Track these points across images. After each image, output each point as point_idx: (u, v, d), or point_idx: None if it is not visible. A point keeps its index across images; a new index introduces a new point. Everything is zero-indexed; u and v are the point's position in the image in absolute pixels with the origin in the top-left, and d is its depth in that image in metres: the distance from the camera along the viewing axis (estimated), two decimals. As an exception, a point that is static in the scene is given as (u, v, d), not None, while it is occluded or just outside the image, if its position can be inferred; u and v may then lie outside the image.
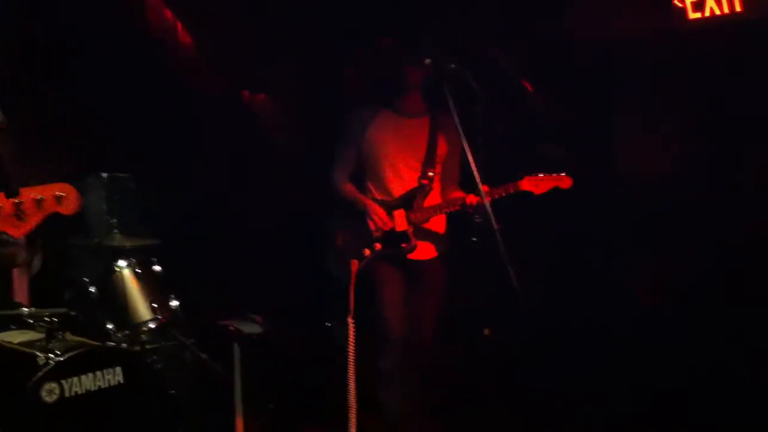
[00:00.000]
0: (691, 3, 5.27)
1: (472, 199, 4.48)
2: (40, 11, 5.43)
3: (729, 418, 4.75)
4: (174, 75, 6.52)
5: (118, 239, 4.92)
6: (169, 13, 6.66)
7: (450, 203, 4.65)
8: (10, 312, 4.33)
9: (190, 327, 4.89)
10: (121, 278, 4.69)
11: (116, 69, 5.82)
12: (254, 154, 6.70)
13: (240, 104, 7.08)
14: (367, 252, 4.60)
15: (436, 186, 4.79)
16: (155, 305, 4.71)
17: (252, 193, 6.53)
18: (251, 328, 5.08)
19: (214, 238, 6.15)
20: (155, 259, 4.87)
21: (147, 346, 4.68)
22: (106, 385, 4.01)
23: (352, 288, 4.19)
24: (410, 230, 4.67)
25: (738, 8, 5.14)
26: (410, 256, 4.69)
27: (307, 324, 5.55)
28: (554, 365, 5.37)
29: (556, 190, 4.51)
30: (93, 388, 3.96)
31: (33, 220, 3.13)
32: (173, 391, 4.30)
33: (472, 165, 4.07)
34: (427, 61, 4.30)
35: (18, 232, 3.12)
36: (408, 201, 4.70)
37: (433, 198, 4.76)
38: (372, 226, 4.66)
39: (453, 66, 4.19)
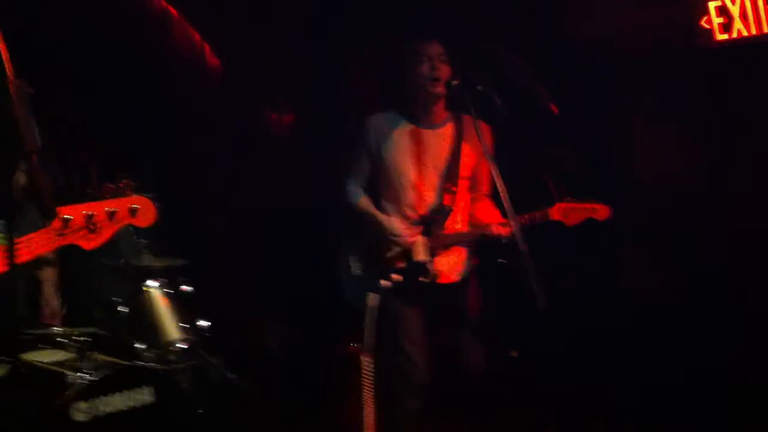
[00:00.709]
0: (719, 24, 5.27)
1: (496, 230, 4.18)
2: (71, 33, 5.49)
3: (732, 418, 4.76)
4: (200, 96, 6.57)
5: (147, 259, 4.96)
6: (197, 36, 6.73)
7: (472, 233, 4.33)
8: (40, 331, 4.35)
9: (217, 347, 4.91)
10: (151, 298, 4.73)
11: (145, 90, 5.87)
12: (281, 175, 6.73)
13: (267, 125, 7.11)
14: (386, 284, 4.20)
15: (461, 203, 4.41)
16: (184, 325, 4.73)
17: (283, 212, 6.56)
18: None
19: (240, 255, 6.18)
20: (184, 279, 4.89)
21: (175, 366, 4.70)
22: (136, 405, 4.02)
23: (369, 325, 4.08)
24: (428, 261, 4.29)
25: (766, 29, 5.13)
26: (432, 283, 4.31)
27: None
28: (558, 366, 5.34)
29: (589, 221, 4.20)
30: (123, 408, 3.97)
31: (106, 233, 3.12)
32: (201, 411, 4.30)
33: (499, 185, 3.90)
34: (455, 82, 4.17)
35: (90, 244, 3.11)
36: (427, 225, 4.34)
37: (457, 217, 4.40)
38: (389, 251, 4.33)
39: (480, 88, 4.11)
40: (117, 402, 3.96)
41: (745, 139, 5.34)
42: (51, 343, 4.32)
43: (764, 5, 5.11)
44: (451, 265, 4.38)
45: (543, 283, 3.73)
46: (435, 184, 4.35)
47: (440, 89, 4.25)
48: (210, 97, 6.64)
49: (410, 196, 4.36)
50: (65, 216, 3.03)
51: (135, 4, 6.15)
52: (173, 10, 6.51)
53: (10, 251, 3.01)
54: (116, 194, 3.18)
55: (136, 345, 4.56)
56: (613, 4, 5.64)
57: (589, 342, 5.36)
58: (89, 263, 4.99)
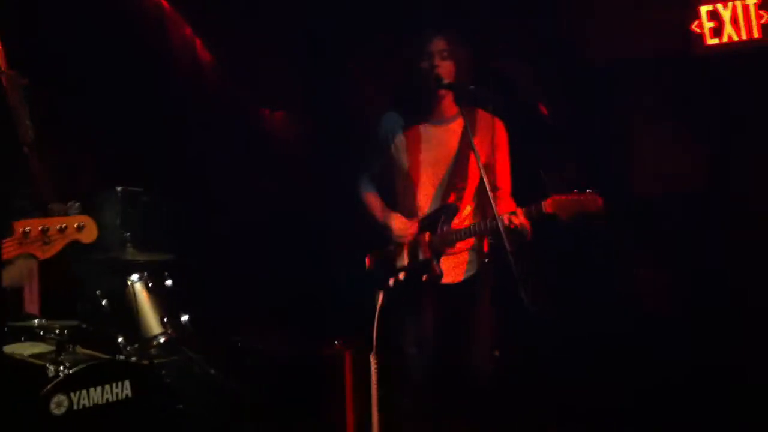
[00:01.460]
0: (710, 29, 5.27)
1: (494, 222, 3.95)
2: (60, 27, 5.46)
3: (732, 420, 4.77)
4: (191, 91, 6.55)
5: (131, 253, 4.94)
6: (188, 31, 6.70)
7: (478, 229, 4.17)
8: (21, 324, 4.34)
9: (199, 342, 4.89)
10: (133, 292, 4.71)
11: (133, 85, 5.84)
12: (270, 170, 6.71)
13: (258, 121, 7.10)
14: (392, 282, 4.23)
15: (470, 201, 4.34)
16: (166, 320, 4.71)
17: (267, 210, 6.54)
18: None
19: (226, 252, 6.16)
20: (167, 274, 4.87)
21: (156, 360, 4.69)
22: (115, 399, 3.99)
23: (376, 323, 4.10)
24: (433, 260, 4.22)
25: (756, 34, 5.13)
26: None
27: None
28: (559, 371, 5.35)
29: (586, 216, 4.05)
30: (101, 402, 3.95)
31: (57, 246, 3.57)
32: (181, 406, 4.28)
33: (487, 184, 3.88)
34: (446, 81, 4.12)
35: (43, 255, 3.55)
36: (432, 223, 4.26)
37: (466, 215, 4.33)
38: (395, 247, 4.30)
39: (472, 88, 4.09)
40: (96, 396, 3.95)
41: (740, 141, 5.34)
42: (32, 335, 4.31)
43: (755, 10, 5.11)
44: (453, 265, 4.32)
45: (534, 285, 3.70)
46: (442, 181, 4.32)
47: (438, 87, 4.20)
48: (201, 92, 6.62)
49: (417, 193, 4.34)
50: (25, 229, 3.48)
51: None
52: (165, 4, 6.49)
53: None
54: (66, 213, 3.69)
55: (118, 339, 4.52)
56: (610, 6, 5.64)
57: (591, 344, 5.36)
58: (72, 256, 4.97)
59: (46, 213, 3.70)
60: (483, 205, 4.34)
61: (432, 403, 4.33)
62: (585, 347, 5.37)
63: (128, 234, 4.97)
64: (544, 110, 5.84)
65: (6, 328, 4.28)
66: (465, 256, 4.35)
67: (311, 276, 5.75)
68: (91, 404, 3.93)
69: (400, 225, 4.31)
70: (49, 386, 3.80)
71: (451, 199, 4.29)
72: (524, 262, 3.69)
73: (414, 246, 4.27)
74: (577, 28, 5.83)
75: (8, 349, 4.20)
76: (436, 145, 4.33)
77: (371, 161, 4.51)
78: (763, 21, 5.11)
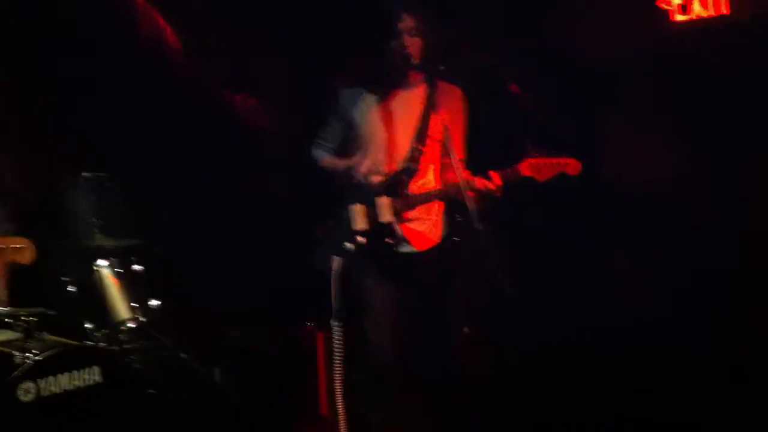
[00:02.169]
0: (677, 5, 5.26)
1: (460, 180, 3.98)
2: (22, 14, 5.40)
3: (727, 418, 4.77)
4: (162, 78, 6.49)
5: (99, 239, 4.88)
6: (159, 17, 6.64)
7: (443, 193, 4.23)
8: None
9: (170, 327, 4.86)
10: (101, 278, 4.67)
11: (103, 71, 5.79)
12: (243, 156, 6.67)
13: (229, 107, 7.05)
14: (350, 246, 4.20)
15: (430, 165, 4.34)
16: (135, 305, 4.68)
17: (240, 195, 6.51)
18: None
19: (199, 239, 6.13)
20: (135, 259, 4.83)
21: (126, 346, 4.64)
22: (84, 385, 3.98)
23: (334, 288, 4.11)
24: (395, 221, 4.23)
25: (725, 10, 5.13)
26: (401, 249, 4.26)
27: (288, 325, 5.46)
28: (550, 368, 5.34)
29: (562, 177, 4.12)
30: (70, 388, 3.94)
31: None
32: (151, 391, 4.25)
33: (455, 161, 3.93)
34: (416, 62, 4.18)
35: None
36: (393, 187, 4.26)
37: (424, 180, 4.33)
38: (354, 211, 4.26)
39: (442, 68, 4.13)
40: (65, 382, 3.92)
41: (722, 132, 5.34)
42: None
43: (722, -14, 5.12)
44: (422, 229, 4.33)
45: (508, 268, 3.69)
46: (404, 144, 4.32)
47: (407, 67, 4.24)
48: (170, 78, 6.56)
49: (380, 156, 4.34)
50: None
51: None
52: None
53: None
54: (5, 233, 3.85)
55: (86, 325, 4.48)
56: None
57: (584, 343, 5.36)
58: (40, 243, 4.93)
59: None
60: (447, 170, 4.36)
61: (399, 384, 4.31)
62: (578, 348, 5.38)
63: (95, 220, 4.92)
64: (516, 89, 5.83)
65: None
66: (429, 223, 4.35)
67: (282, 258, 5.71)
68: (60, 390, 3.91)
69: (369, 162, 4.33)
70: (16, 373, 3.77)
71: (413, 161, 4.29)
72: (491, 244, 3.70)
73: (372, 210, 4.25)
74: (546, 14, 5.81)
75: (-26, 337, 4.16)
76: (398, 108, 4.36)
77: (330, 135, 4.52)
78: (730, -4, 5.12)
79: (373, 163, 4.31)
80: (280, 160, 6.46)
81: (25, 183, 5.27)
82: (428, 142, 4.30)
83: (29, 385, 3.81)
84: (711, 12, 5.16)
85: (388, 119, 4.34)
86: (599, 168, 5.55)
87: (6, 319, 4.23)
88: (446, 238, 4.39)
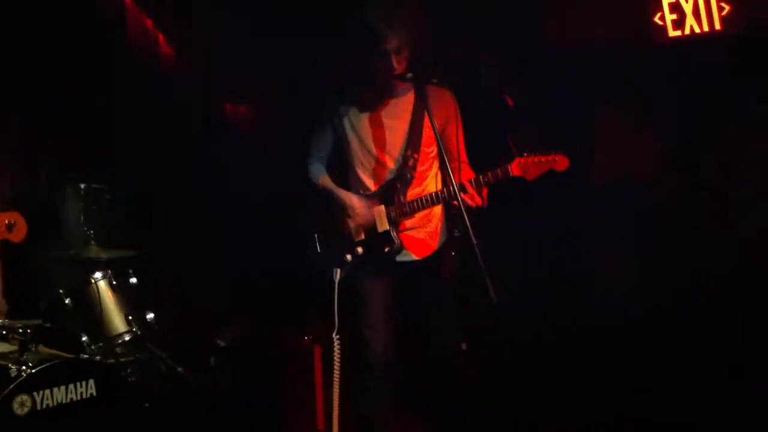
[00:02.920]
0: (672, 21, 5.29)
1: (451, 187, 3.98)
2: (16, 19, 5.38)
3: (713, 416, 4.79)
4: (154, 85, 6.49)
5: (94, 251, 4.89)
6: (150, 24, 6.64)
7: (435, 198, 4.17)
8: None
9: (165, 339, 4.85)
10: (97, 290, 4.65)
11: (95, 79, 5.78)
12: (234, 163, 6.67)
13: (220, 115, 7.05)
14: (349, 257, 4.22)
15: (424, 172, 4.33)
16: (130, 317, 4.67)
17: (232, 203, 6.51)
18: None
19: (192, 248, 6.12)
20: (131, 271, 4.83)
21: (121, 359, 4.64)
22: (79, 398, 3.97)
23: (336, 301, 4.10)
24: (392, 230, 4.21)
25: (717, 26, 5.16)
26: (400, 257, 4.26)
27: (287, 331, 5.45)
28: (537, 369, 5.36)
29: (550, 174, 4.09)
30: (65, 401, 3.93)
31: None
32: (147, 404, 4.25)
33: (448, 167, 3.91)
34: (408, 75, 4.10)
35: None
36: (387, 194, 4.24)
37: (419, 187, 4.31)
38: (351, 224, 4.27)
39: (435, 80, 4.09)
40: (60, 395, 3.91)
41: (702, 135, 5.38)
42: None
43: (716, 3, 5.14)
44: (420, 237, 4.34)
45: (497, 278, 3.70)
46: (396, 152, 4.30)
47: (402, 60, 4.16)
48: (162, 86, 6.56)
49: (372, 165, 4.33)
50: None
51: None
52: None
53: None
54: None
55: (82, 338, 4.47)
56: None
57: (552, 333, 5.38)
58: (35, 255, 4.92)
59: None
60: (443, 175, 4.36)
61: (393, 387, 4.33)
62: (546, 335, 5.38)
63: (91, 231, 4.92)
64: (509, 101, 5.86)
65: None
66: (435, 229, 4.37)
67: (277, 267, 5.71)
68: (55, 404, 3.90)
69: (354, 206, 4.29)
70: (11, 386, 3.76)
71: (407, 169, 4.28)
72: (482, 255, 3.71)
73: (371, 220, 4.25)
74: (540, 18, 5.83)
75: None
76: (389, 116, 4.32)
77: (321, 143, 4.47)
78: (723, 13, 5.14)
79: (357, 208, 4.28)
80: (274, 166, 6.46)
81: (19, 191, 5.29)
82: (422, 149, 4.29)
83: (25, 398, 3.80)
84: (704, 28, 5.19)
85: (378, 127, 4.31)
86: (588, 168, 5.63)
87: (2, 332, 4.21)
88: (445, 245, 4.41)
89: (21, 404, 3.78)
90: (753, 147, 5.10)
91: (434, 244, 4.36)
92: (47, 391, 3.87)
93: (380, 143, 4.31)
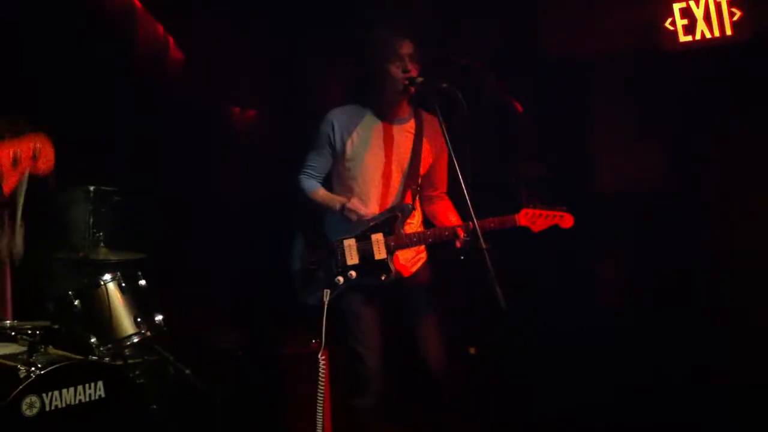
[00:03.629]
0: (683, 26, 5.29)
1: (460, 232, 4.09)
2: (28, 22, 5.39)
3: (695, 418, 4.86)
4: (163, 88, 6.50)
5: (103, 253, 4.89)
6: (160, 29, 6.66)
7: (438, 235, 4.20)
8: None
9: (173, 341, 4.86)
10: (106, 292, 4.66)
11: (105, 81, 5.79)
12: (244, 166, 6.68)
13: (229, 120, 7.07)
14: (341, 280, 4.20)
15: (419, 201, 4.40)
16: (139, 319, 4.67)
17: (241, 205, 6.52)
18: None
19: (200, 250, 6.13)
20: (140, 273, 4.83)
21: (130, 361, 4.66)
22: (87, 399, 3.97)
23: (323, 321, 4.06)
24: (389, 259, 4.20)
25: (729, 31, 5.15)
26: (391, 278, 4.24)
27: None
28: (531, 372, 5.37)
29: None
30: (74, 402, 3.93)
31: (10, 182, 2.97)
32: (155, 406, 4.25)
33: (462, 182, 3.86)
34: (419, 79, 4.11)
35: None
36: (388, 224, 4.23)
37: (412, 217, 4.33)
38: (345, 245, 4.21)
39: (445, 85, 4.04)
40: (69, 396, 3.91)
41: (708, 142, 5.37)
42: (3, 336, 4.26)
43: (727, 8, 5.14)
44: (408, 260, 4.34)
45: (504, 285, 3.70)
46: (399, 180, 4.31)
47: (411, 90, 4.18)
48: (172, 91, 6.57)
49: (373, 192, 4.30)
50: None
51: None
52: (137, 2, 6.44)
53: None
54: (14, 133, 2.98)
55: (91, 339, 4.47)
56: (584, 4, 5.65)
57: (552, 343, 5.37)
58: (44, 257, 4.93)
59: None
60: (429, 203, 4.44)
61: (385, 401, 4.31)
62: (546, 345, 5.39)
63: (100, 233, 4.92)
64: (518, 107, 5.86)
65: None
66: (419, 252, 4.39)
67: (285, 270, 5.72)
68: (64, 405, 3.90)
69: (354, 205, 4.23)
70: (20, 387, 3.76)
71: (408, 199, 4.29)
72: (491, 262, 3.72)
73: (366, 245, 4.22)
74: (548, 27, 5.83)
75: (-21, 349, 4.14)
76: (395, 143, 4.32)
77: (319, 163, 4.40)
78: (735, 18, 5.14)
79: (361, 208, 4.24)
80: (283, 170, 6.45)
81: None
82: (419, 179, 4.33)
83: (33, 399, 3.80)
84: (715, 33, 5.18)
85: (384, 155, 4.31)
86: (590, 177, 5.63)
87: (11, 333, 4.22)
88: (425, 263, 4.42)
89: (30, 405, 3.78)
90: (761, 152, 5.11)
91: (420, 261, 4.39)
92: (56, 393, 3.87)
93: (384, 170, 4.31)
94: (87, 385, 3.99)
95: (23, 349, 4.08)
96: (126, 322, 4.66)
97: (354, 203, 4.22)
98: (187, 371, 4.80)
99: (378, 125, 4.32)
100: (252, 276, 6.15)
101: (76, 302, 4.58)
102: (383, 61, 4.20)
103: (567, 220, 4.18)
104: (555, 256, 5.47)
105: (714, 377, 5.05)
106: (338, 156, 4.34)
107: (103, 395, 4.03)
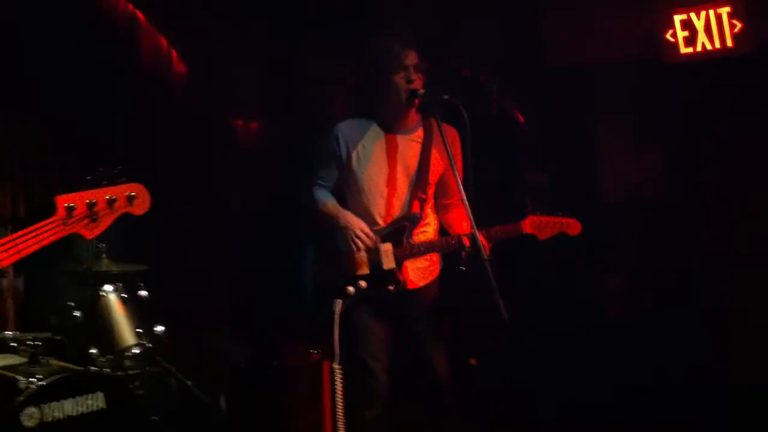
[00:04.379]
0: (683, 38, 5.29)
1: (467, 241, 3.99)
2: (32, 33, 5.42)
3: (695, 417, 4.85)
4: (167, 102, 6.53)
5: (105, 264, 4.89)
6: (164, 42, 6.68)
7: (445, 244, 4.18)
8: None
9: (175, 353, 4.86)
10: (107, 303, 4.67)
11: (107, 94, 5.82)
12: (247, 178, 6.70)
13: (233, 132, 7.09)
14: (351, 290, 4.14)
15: (429, 211, 4.35)
16: (140, 331, 4.67)
17: (243, 220, 6.53)
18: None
19: (202, 262, 6.14)
20: (142, 284, 4.84)
21: (130, 372, 4.64)
22: (88, 411, 3.97)
23: (336, 331, 4.04)
24: (397, 269, 4.17)
25: (729, 43, 5.16)
26: (401, 288, 4.20)
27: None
28: (532, 372, 5.36)
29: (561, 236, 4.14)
30: (74, 414, 3.93)
31: (106, 222, 3.14)
32: (155, 418, 4.25)
33: (466, 203, 3.85)
34: (421, 91, 4.09)
35: (92, 233, 3.12)
36: (397, 234, 4.21)
37: (426, 225, 4.31)
38: (356, 257, 4.18)
39: (447, 97, 4.00)
40: (69, 408, 3.91)
41: (709, 149, 5.37)
42: (4, 347, 4.27)
43: (728, 19, 5.14)
44: (421, 271, 4.31)
45: (506, 292, 3.70)
46: (405, 191, 4.28)
47: (415, 101, 4.16)
48: (175, 104, 6.59)
49: (380, 203, 4.28)
50: (69, 204, 3.01)
51: (102, 10, 6.09)
52: (141, 16, 6.46)
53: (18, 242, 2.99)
54: (113, 182, 3.21)
55: (91, 350, 4.47)
56: (585, 15, 5.66)
57: (557, 351, 5.36)
58: (46, 268, 4.94)
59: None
60: (444, 212, 4.40)
61: (392, 412, 4.30)
62: (550, 354, 5.38)
63: (102, 245, 4.93)
64: (520, 117, 5.87)
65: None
66: (432, 263, 4.35)
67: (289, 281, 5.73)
68: (64, 416, 3.90)
69: (363, 227, 4.20)
70: (20, 398, 3.76)
71: (415, 209, 4.27)
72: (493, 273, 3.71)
73: (375, 255, 4.20)
74: (550, 37, 5.85)
75: (-21, 361, 4.15)
76: (400, 154, 4.29)
77: (327, 174, 4.39)
78: (735, 30, 5.14)
79: (366, 234, 4.19)
80: (287, 180, 6.47)
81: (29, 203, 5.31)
82: (428, 188, 4.30)
83: (33, 410, 3.79)
84: (716, 45, 5.18)
85: (388, 164, 4.28)
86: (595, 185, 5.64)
87: (12, 344, 4.23)
88: (436, 275, 4.37)
89: (30, 416, 3.78)
90: (760, 158, 5.12)
91: (433, 273, 4.35)
92: (56, 404, 3.87)
93: (389, 181, 4.27)
94: (87, 396, 3.98)
95: (24, 360, 4.09)
96: (127, 333, 4.66)
97: (358, 225, 4.20)
98: (189, 383, 4.79)
99: (382, 136, 4.29)
100: (255, 285, 6.16)
101: (78, 313, 4.58)
102: (387, 71, 4.18)
103: (574, 227, 4.17)
104: (558, 262, 5.48)
105: (714, 377, 5.03)
106: (344, 168, 4.32)
107: (103, 406, 4.02)
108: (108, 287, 4.71)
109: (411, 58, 4.16)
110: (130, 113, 5.99)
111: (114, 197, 3.14)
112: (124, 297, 4.72)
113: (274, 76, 6.89)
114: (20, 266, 4.87)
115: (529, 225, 4.11)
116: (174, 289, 5.51)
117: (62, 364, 4.25)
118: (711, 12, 5.20)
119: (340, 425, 4.07)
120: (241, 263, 6.35)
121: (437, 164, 4.28)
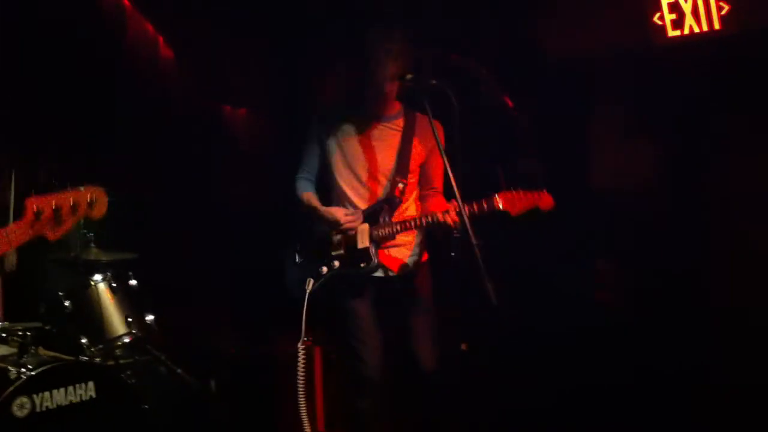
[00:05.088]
0: (671, 21, 5.28)
1: (448, 217, 4.05)
2: (15, 22, 5.38)
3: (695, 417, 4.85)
4: (153, 87, 6.49)
5: (94, 253, 4.88)
6: (150, 27, 6.64)
7: (421, 222, 4.19)
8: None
9: (165, 341, 4.85)
10: (96, 292, 4.65)
11: (93, 81, 5.78)
12: (233, 167, 6.68)
13: (220, 118, 7.06)
14: (325, 269, 4.25)
15: (409, 197, 4.40)
16: (130, 320, 4.67)
17: (230, 207, 6.51)
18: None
19: (191, 250, 6.12)
20: (131, 273, 4.83)
21: (121, 361, 4.66)
22: (78, 400, 3.99)
23: (305, 311, 4.09)
24: (372, 248, 4.23)
25: (717, 26, 5.15)
26: (378, 273, 4.30)
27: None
28: (529, 372, 5.36)
29: (536, 213, 4.13)
30: (65, 403, 3.94)
31: (67, 225, 3.34)
32: (146, 406, 4.25)
33: (452, 180, 3.89)
34: (408, 76, 4.10)
35: (54, 235, 3.30)
36: (374, 215, 4.28)
37: (405, 211, 4.37)
38: (334, 238, 4.27)
39: (434, 82, 4.03)
40: (60, 397, 3.92)
41: (699, 137, 5.37)
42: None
43: (715, 2, 5.13)
44: (399, 255, 4.36)
45: (496, 280, 3.71)
46: (385, 176, 4.34)
47: (394, 86, 4.20)
48: (162, 89, 6.56)
49: (359, 187, 4.36)
50: (37, 209, 3.20)
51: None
52: (126, 1, 6.42)
53: None
54: (76, 186, 3.40)
55: (82, 340, 4.46)
56: (569, 3, 5.66)
57: (546, 339, 5.37)
58: (35, 258, 4.92)
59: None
60: (427, 201, 4.44)
61: (383, 398, 4.34)
62: (540, 342, 5.38)
63: (91, 234, 4.91)
64: (509, 103, 5.86)
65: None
66: (408, 247, 4.39)
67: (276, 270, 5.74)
68: (55, 406, 3.91)
69: (336, 218, 4.28)
70: (10, 388, 3.77)
71: (396, 193, 4.31)
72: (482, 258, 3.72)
73: (351, 235, 4.27)
74: (542, 26, 5.83)
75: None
76: (380, 140, 4.35)
77: (309, 161, 4.48)
78: (723, 12, 5.13)
79: (340, 219, 4.28)
80: (273, 169, 6.47)
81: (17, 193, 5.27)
82: (409, 174, 4.34)
83: (24, 400, 3.81)
84: (704, 27, 5.18)
85: (367, 151, 4.34)
86: (583, 175, 5.63)
87: (1, 334, 4.23)
88: (420, 260, 4.43)
89: (20, 406, 3.79)
90: (753, 147, 5.11)
91: (409, 259, 4.39)
92: (47, 394, 3.89)
93: (368, 168, 4.35)
94: (78, 386, 4.00)
95: (14, 350, 4.09)
96: (117, 322, 4.64)
97: (341, 215, 4.27)
98: (179, 371, 4.79)
99: (362, 123, 4.36)
100: (246, 274, 6.15)
101: (67, 303, 4.55)
102: (371, 58, 4.20)
103: (545, 200, 4.15)
104: (553, 253, 5.49)
105: (714, 377, 5.03)
106: (326, 153, 4.40)
107: (94, 396, 4.04)
108: (97, 276, 4.69)
109: (395, 45, 4.16)
110: (117, 99, 5.96)
111: (77, 202, 3.32)
112: (113, 286, 4.70)
113: (263, 62, 6.87)
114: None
115: (501, 200, 4.08)
116: (164, 277, 5.49)
117: (52, 354, 4.26)
118: (698, -6, 5.19)
119: (303, 411, 4.09)
120: (233, 249, 6.34)
121: (419, 153, 4.34)
